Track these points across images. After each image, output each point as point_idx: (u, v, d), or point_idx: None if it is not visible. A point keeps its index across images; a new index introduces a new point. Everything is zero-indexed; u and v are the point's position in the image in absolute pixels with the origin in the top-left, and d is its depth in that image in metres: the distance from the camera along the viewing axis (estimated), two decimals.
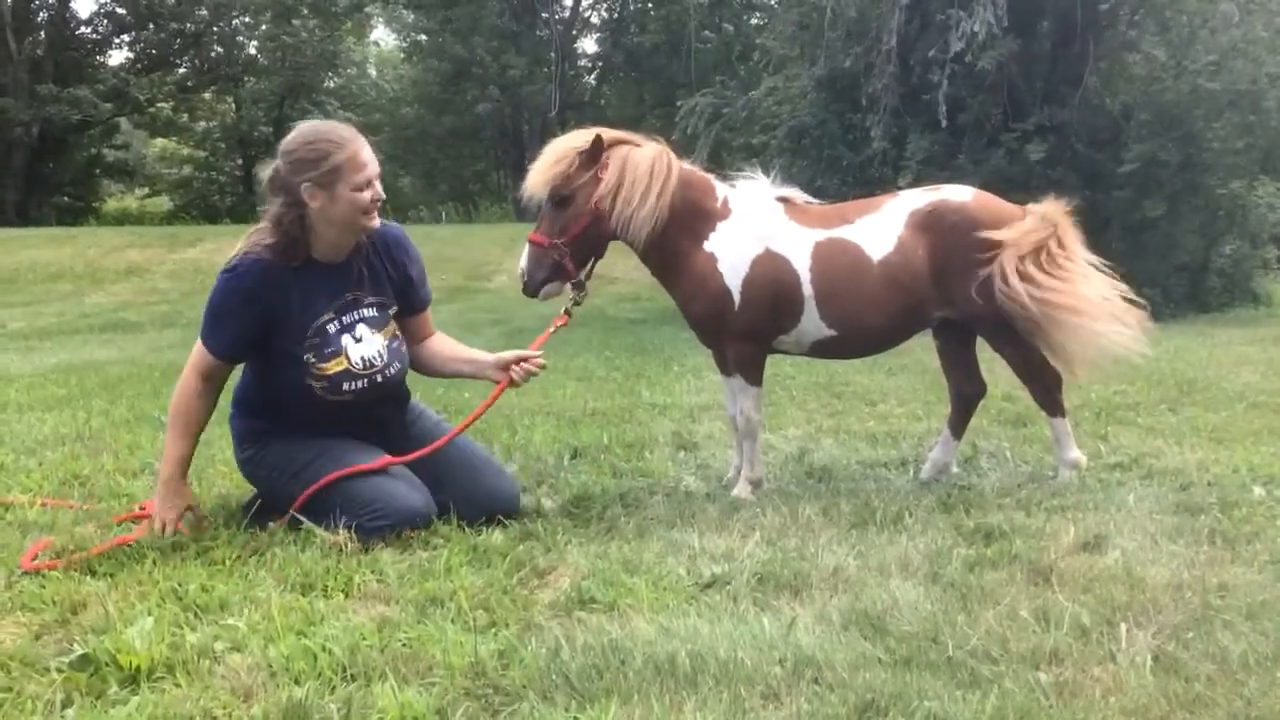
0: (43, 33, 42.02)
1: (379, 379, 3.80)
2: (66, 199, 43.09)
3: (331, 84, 46.01)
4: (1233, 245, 17.02)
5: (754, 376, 4.35)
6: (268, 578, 3.17)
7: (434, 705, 2.30)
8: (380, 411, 3.92)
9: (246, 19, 44.15)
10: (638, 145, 4.28)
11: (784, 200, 4.39)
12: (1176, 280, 16.29)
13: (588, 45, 44.03)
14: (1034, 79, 15.85)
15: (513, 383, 3.99)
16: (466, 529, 3.70)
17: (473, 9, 36.03)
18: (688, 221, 4.26)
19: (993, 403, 6.60)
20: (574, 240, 4.18)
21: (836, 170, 16.16)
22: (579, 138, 4.23)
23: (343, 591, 3.10)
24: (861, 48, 15.80)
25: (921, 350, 10.61)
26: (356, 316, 3.80)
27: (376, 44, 54.25)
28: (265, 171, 3.69)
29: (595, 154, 4.16)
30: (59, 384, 8.15)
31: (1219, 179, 15.89)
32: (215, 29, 43.89)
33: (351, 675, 2.47)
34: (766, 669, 2.46)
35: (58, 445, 5.47)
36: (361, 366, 3.76)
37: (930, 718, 2.22)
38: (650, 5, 39.79)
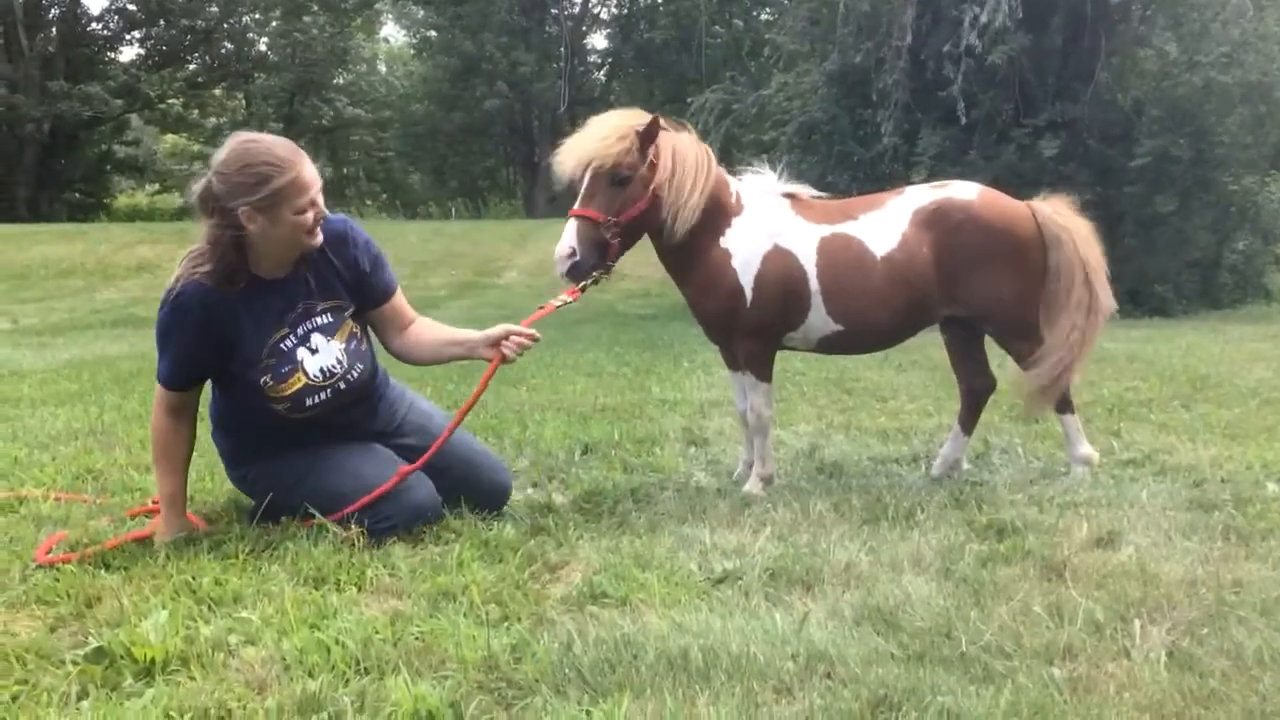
0: (54, 29, 42.19)
1: (341, 386, 3.67)
2: (77, 195, 43.28)
3: (341, 80, 46.09)
4: (1245, 241, 16.97)
5: (764, 373, 4.34)
6: (280, 572, 3.18)
7: (447, 698, 2.30)
8: (351, 415, 3.79)
9: (257, 15, 44.31)
10: (677, 131, 4.23)
11: (790, 196, 4.38)
12: (1188, 276, 16.26)
13: (597, 41, 44.01)
14: (1045, 74, 15.79)
15: (505, 359, 3.77)
16: (478, 524, 3.70)
17: (482, 5, 36.07)
18: (711, 216, 4.23)
19: (1004, 398, 6.59)
20: (629, 222, 4.05)
21: (847, 166, 16.13)
22: (631, 116, 4.11)
23: (355, 585, 3.10)
24: (873, 43, 15.76)
25: (933, 347, 10.59)
26: (310, 326, 3.64)
27: (386, 40, 54.39)
28: (196, 187, 3.46)
29: (651, 136, 4.04)
30: (71, 379, 8.18)
31: (1231, 175, 15.85)
32: (226, 25, 44.05)
33: (365, 668, 2.48)
34: (779, 664, 2.46)
35: (71, 440, 5.49)
36: (321, 378, 3.62)
37: (944, 713, 2.22)
38: (660, 1, 39.75)
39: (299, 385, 3.60)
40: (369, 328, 3.88)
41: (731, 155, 19.18)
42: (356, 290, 3.75)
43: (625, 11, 42.31)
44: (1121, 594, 2.90)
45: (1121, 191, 15.32)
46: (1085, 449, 4.47)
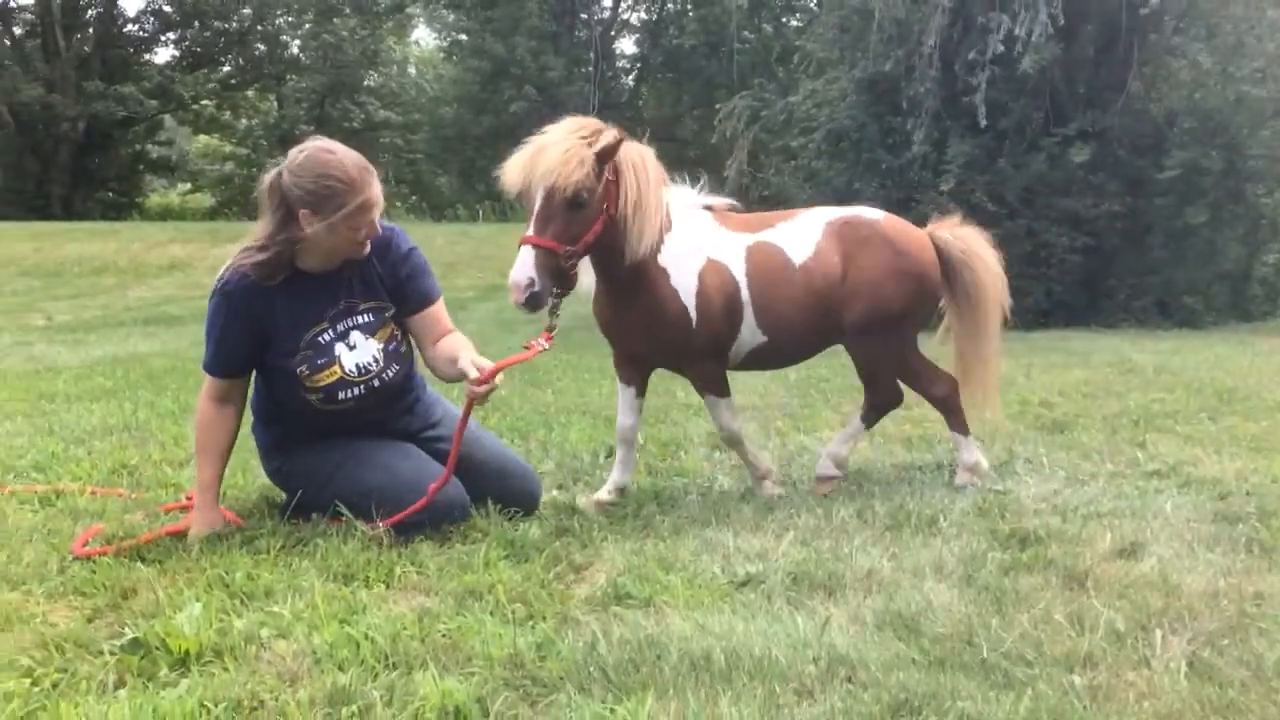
0: (91, 30, 42.80)
1: (375, 384, 3.76)
2: (111, 194, 43.81)
3: (372, 83, 46.41)
4: (1276, 254, 16.83)
5: (722, 389, 4.24)
6: (310, 567, 3.24)
7: (474, 694, 2.34)
8: (385, 412, 3.87)
9: (289, 18, 44.67)
10: (630, 142, 3.97)
11: (709, 208, 4.30)
12: (1218, 288, 16.16)
13: (626, 46, 44.12)
14: (1076, 83, 15.74)
15: (474, 399, 3.64)
16: (504, 524, 3.75)
17: (513, 9, 36.22)
18: None
19: (1030, 408, 6.60)
20: (586, 248, 3.79)
21: (875, 173, 16.12)
22: (580, 131, 3.78)
23: (384, 582, 3.16)
24: (903, 50, 15.74)
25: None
26: (350, 324, 3.74)
27: (417, 43, 54.72)
28: (266, 178, 3.58)
29: (610, 154, 3.76)
30: (105, 376, 8.31)
31: (1264, 188, 15.72)
32: (259, 28, 44.50)
33: (393, 663, 2.53)
34: (801, 667, 2.49)
35: (106, 435, 5.59)
36: (356, 374, 3.72)
37: (964, 718, 2.24)
38: (690, 6, 39.81)
39: (334, 378, 3.69)
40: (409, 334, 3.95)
41: (759, 161, 19.23)
42: (396, 294, 3.82)
43: (655, 17, 42.39)
44: (1143, 604, 2.91)
45: (1151, 202, 15.25)
46: (971, 456, 4.53)
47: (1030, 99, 15.33)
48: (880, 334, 4.36)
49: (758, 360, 4.38)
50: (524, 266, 3.63)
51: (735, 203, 4.45)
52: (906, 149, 15.73)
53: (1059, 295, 15.15)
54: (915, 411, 6.54)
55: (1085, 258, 15.06)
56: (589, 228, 3.74)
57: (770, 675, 2.44)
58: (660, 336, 4.10)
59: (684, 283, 4.03)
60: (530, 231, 3.68)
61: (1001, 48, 14.00)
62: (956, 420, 4.57)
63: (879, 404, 4.63)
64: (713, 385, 4.24)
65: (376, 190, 3.58)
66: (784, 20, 36.97)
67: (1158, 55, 16.09)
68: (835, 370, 8.76)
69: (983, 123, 14.40)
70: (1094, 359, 9.94)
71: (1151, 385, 7.89)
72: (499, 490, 3.92)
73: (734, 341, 4.20)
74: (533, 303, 3.65)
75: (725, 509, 4.03)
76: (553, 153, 3.67)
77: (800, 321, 4.24)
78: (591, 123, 3.85)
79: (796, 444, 5.46)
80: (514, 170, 3.76)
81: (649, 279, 4.00)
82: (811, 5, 33.99)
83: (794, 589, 3.08)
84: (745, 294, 4.15)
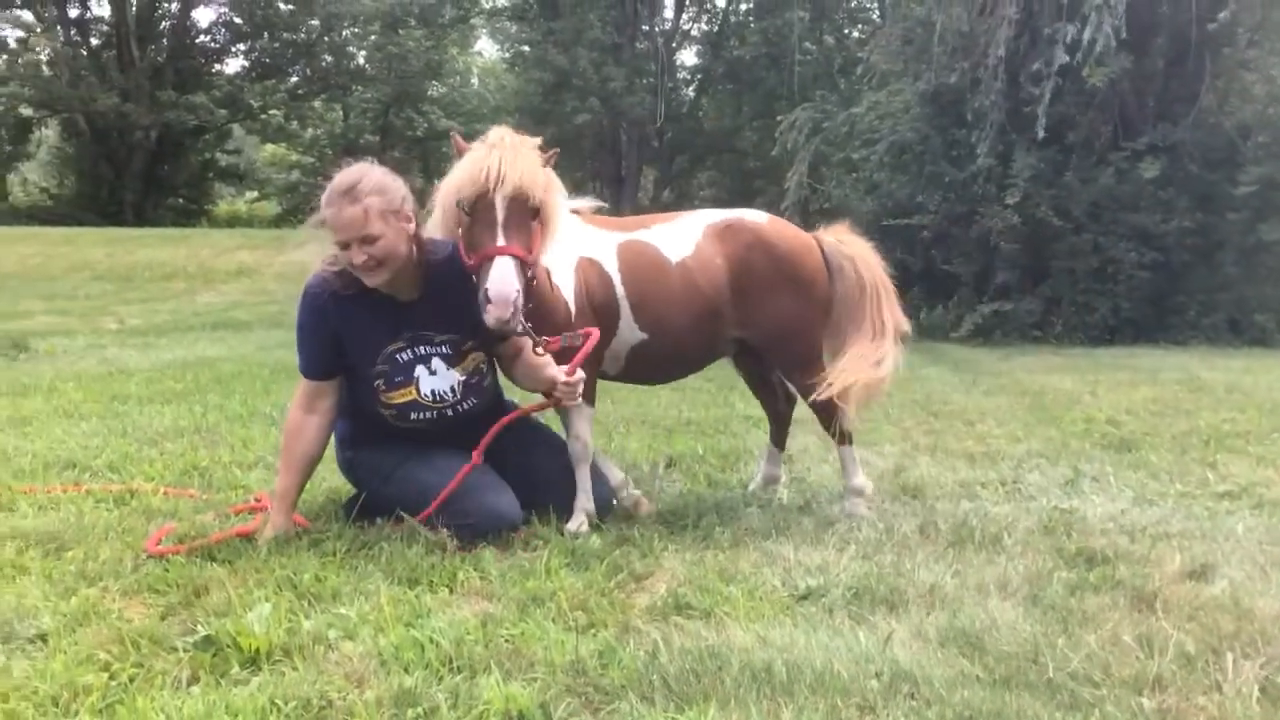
0: (164, 40, 43.89)
1: (449, 413, 3.82)
2: (181, 201, 44.91)
3: (435, 93, 47.00)
4: None
5: (589, 394, 3.99)
6: (376, 571, 3.29)
7: (537, 699, 2.37)
8: (455, 437, 3.87)
9: (356, 29, 45.40)
10: None
11: (576, 212, 4.19)
12: None
13: (687, 57, 44.14)
14: (1146, 96, 15.47)
15: (557, 403, 3.80)
16: (565, 532, 3.78)
17: (576, 21, 36.44)
18: None
19: (1096, 426, 6.51)
20: (539, 258, 3.64)
21: (938, 186, 15.98)
22: (526, 141, 3.65)
23: (447, 587, 3.20)
24: (968, 63, 15.60)
25: (1021, 371, 10.46)
26: (430, 350, 3.78)
27: (480, 54, 55.28)
28: None
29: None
30: (176, 379, 8.50)
31: None
32: (326, 39, 45.27)
33: (457, 667, 2.56)
34: (863, 682, 2.48)
35: (177, 437, 5.72)
36: (431, 399, 3.78)
37: None
38: (751, 18, 39.76)
39: (407, 398, 3.76)
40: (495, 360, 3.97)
41: (820, 173, 19.15)
42: (475, 327, 3.65)
43: (716, 28, 42.39)
44: (1214, 627, 2.85)
45: (1224, 218, 14.93)
46: (859, 479, 4.40)
47: (1098, 112, 15.11)
48: (783, 347, 4.33)
49: (641, 364, 4.22)
50: (509, 278, 3.39)
51: (600, 203, 4.38)
52: (970, 162, 15.57)
53: (1126, 312, 14.89)
54: (978, 428, 6.49)
55: (1154, 274, 14.79)
56: (542, 240, 3.62)
57: (832, 689, 2.43)
58: (546, 330, 3.84)
59: (563, 280, 3.96)
60: (501, 241, 3.45)
61: (1065, 58, 13.80)
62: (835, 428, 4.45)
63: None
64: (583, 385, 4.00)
65: (348, 214, 3.50)
66: (846, 32, 36.80)
67: (1230, 69, 15.77)
68: (896, 385, 8.68)
69: (1041, 134, 14.21)
70: (1162, 376, 9.75)
71: (1222, 404, 7.72)
72: (570, 498, 3.96)
73: (610, 339, 4.09)
74: (516, 319, 3.43)
75: (785, 521, 4.02)
76: (522, 163, 3.52)
77: (682, 318, 4.13)
78: (522, 135, 3.69)
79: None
80: (473, 176, 3.50)
81: (537, 280, 3.79)
82: (874, 17, 33.82)
83: (855, 603, 3.06)
84: (620, 290, 4.07)
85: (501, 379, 4.08)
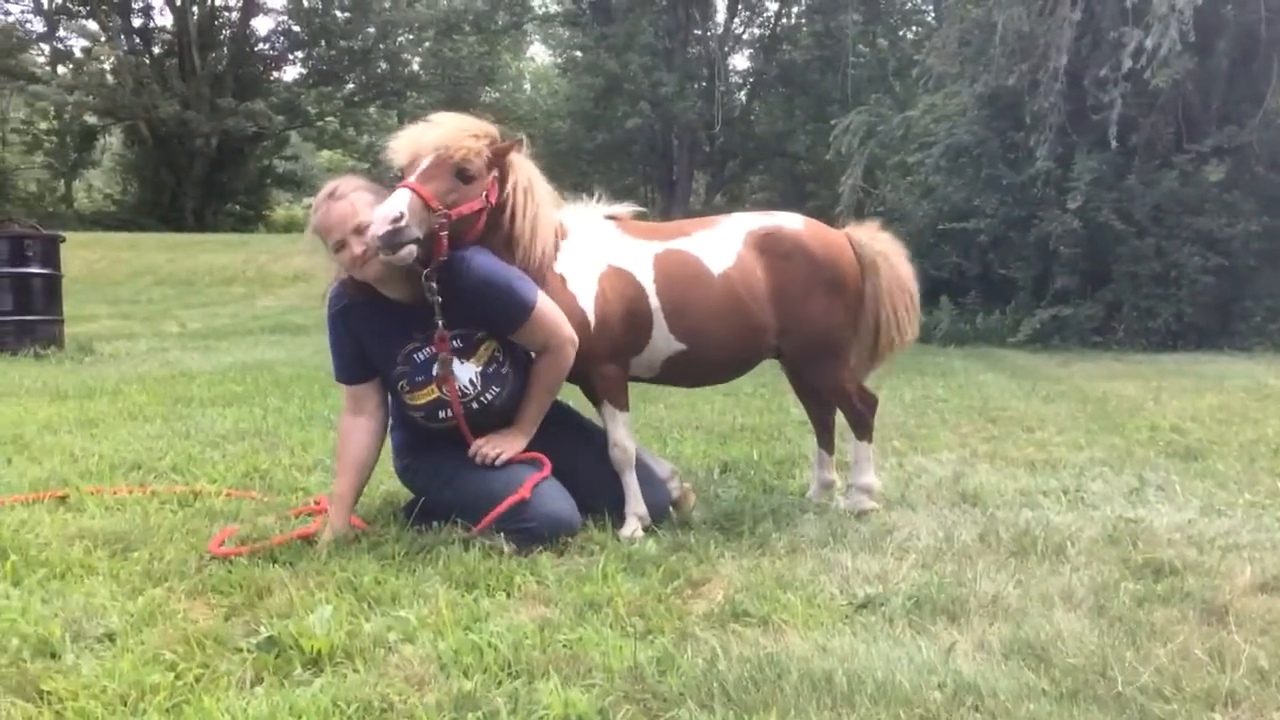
0: (224, 49, 44.71)
1: (474, 406, 3.82)
2: (239, 207, 45.70)
3: (489, 99, 47.38)
4: None
5: (622, 401, 4.05)
6: (434, 574, 3.31)
7: (595, 705, 2.36)
8: (494, 429, 3.89)
9: (410, 36, 45.94)
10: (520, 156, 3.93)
11: (613, 218, 4.21)
12: None
13: (738, 61, 44.07)
14: (1210, 98, 15.16)
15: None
16: (621, 537, 3.78)
17: (628, 26, 36.53)
18: None
19: (1161, 434, 6.37)
20: (459, 221, 3.64)
21: (995, 189, 15.79)
22: (484, 125, 3.81)
23: (504, 591, 3.21)
24: (1027, 65, 15.39)
25: (1081, 377, 10.28)
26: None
27: (532, 60, 55.67)
28: None
29: (504, 153, 3.78)
30: (236, 382, 8.64)
31: None
32: (382, 46, 45.84)
33: (516, 671, 2.56)
34: (926, 693, 2.44)
35: (238, 440, 5.81)
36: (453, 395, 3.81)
37: None
38: (803, 21, 39.60)
39: (431, 397, 3.80)
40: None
41: (874, 176, 19.01)
42: (484, 322, 3.80)
43: (768, 32, 42.27)
44: None
45: None
46: (869, 477, 4.38)
47: (1161, 115, 14.84)
48: (815, 351, 4.32)
49: (678, 370, 4.22)
50: (396, 202, 3.48)
51: (640, 208, 4.34)
52: (1029, 165, 15.38)
53: (1189, 317, 14.60)
54: (1038, 435, 6.39)
55: (1218, 279, 14.48)
56: (466, 202, 3.65)
57: (894, 700, 2.40)
58: None
59: (583, 287, 3.95)
60: (412, 180, 3.57)
61: (1130, 63, 13.57)
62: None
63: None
64: (613, 393, 4.04)
65: (334, 211, 3.65)
66: (900, 34, 36.51)
67: None
68: (952, 390, 8.61)
69: (1113, 143, 14.00)
70: (1228, 384, 9.53)
71: None
72: (614, 502, 3.97)
73: (639, 350, 4.10)
74: (393, 240, 3.43)
75: (842, 528, 3.98)
76: (448, 125, 3.71)
77: (722, 329, 4.12)
78: (485, 122, 3.84)
79: (915, 465, 5.37)
80: (405, 140, 3.72)
81: (545, 285, 3.86)
82: (929, 19, 33.52)
83: (915, 613, 3.02)
84: (654, 301, 4.04)
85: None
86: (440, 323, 3.68)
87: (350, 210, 3.63)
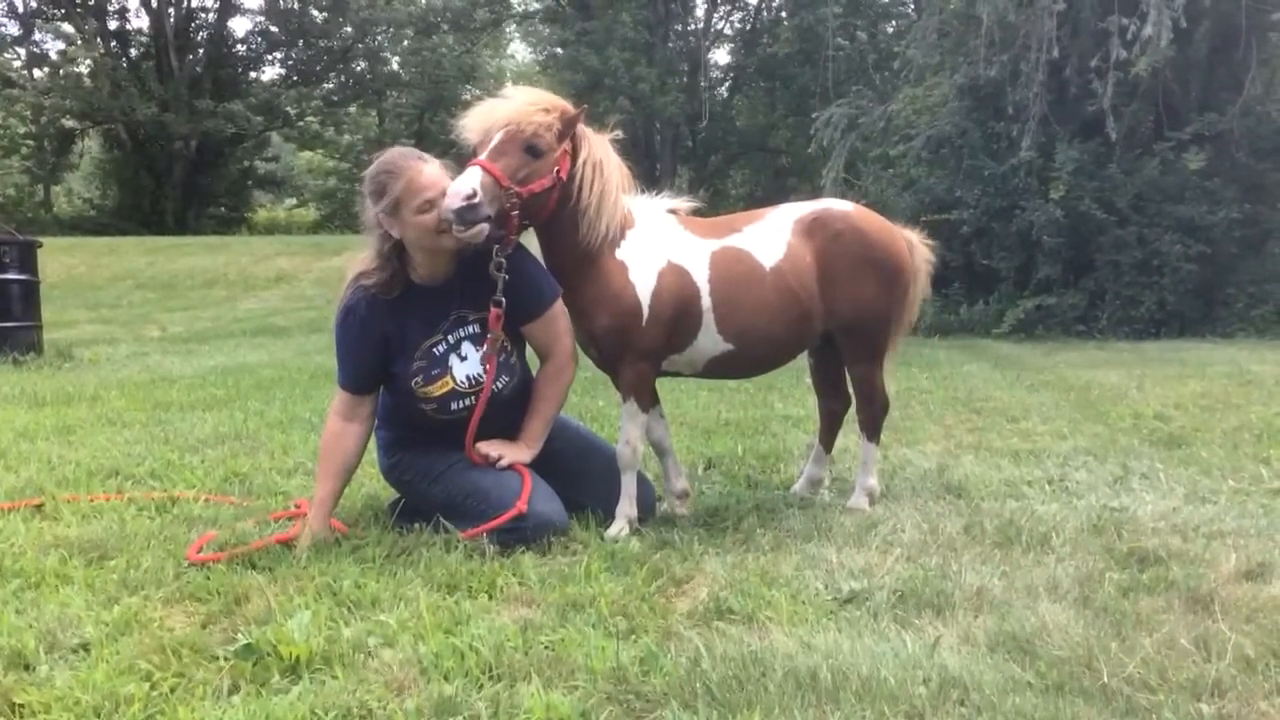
0: (202, 50, 44.42)
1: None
2: (221, 209, 45.42)
3: (469, 97, 47.24)
4: None
5: (645, 401, 4.01)
6: (415, 577, 3.27)
7: (578, 708, 2.33)
8: (499, 423, 3.89)
9: (389, 35, 45.74)
10: (599, 134, 3.97)
11: (673, 212, 4.19)
12: None
13: (719, 56, 44.06)
14: (1190, 86, 15.21)
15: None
16: (604, 538, 3.75)
17: (607, 22, 36.49)
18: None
19: (1144, 422, 6.38)
20: (530, 197, 3.64)
21: (977, 180, 15.81)
22: (553, 98, 3.80)
23: (486, 593, 3.17)
24: (1008, 55, 15.41)
25: (1065, 367, 10.30)
26: (461, 334, 3.82)
27: (513, 57, 55.49)
28: (360, 208, 3.79)
29: (573, 123, 3.76)
30: (217, 385, 8.57)
31: None
32: (360, 45, 45.65)
33: (497, 674, 2.53)
34: (911, 688, 2.42)
35: (218, 443, 5.76)
36: (467, 385, 3.80)
37: None
38: (783, 15, 39.60)
39: (446, 389, 3.78)
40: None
41: (856, 169, 19.01)
42: (509, 300, 3.75)
43: (749, 26, 42.27)
44: (1274, 629, 2.77)
45: (1273, 209, 14.71)
46: (873, 480, 4.38)
47: (1142, 103, 14.88)
48: (862, 333, 4.30)
49: (720, 369, 4.23)
50: (469, 179, 3.50)
51: (696, 203, 4.32)
52: (1011, 155, 15.41)
53: (1172, 305, 14.67)
54: (1023, 425, 6.39)
55: (1200, 266, 14.55)
56: (538, 179, 3.65)
57: (879, 696, 2.38)
58: (604, 325, 3.92)
59: (643, 278, 3.92)
60: (483, 157, 3.59)
61: (1124, 53, 13.59)
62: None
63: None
64: (640, 391, 4.00)
65: (426, 172, 3.62)
66: (880, 26, 36.53)
67: (1277, 55, 15.48)
68: (936, 382, 8.61)
69: (1113, 135, 14.04)
70: (1210, 370, 9.56)
71: (1273, 398, 7.55)
72: (611, 497, 3.95)
73: (679, 349, 4.06)
74: (469, 216, 3.46)
75: (827, 523, 3.96)
76: (518, 100, 3.71)
77: (773, 327, 4.11)
78: (552, 96, 3.83)
79: (900, 457, 5.35)
80: (476, 117, 3.72)
81: (604, 269, 3.89)
82: (909, 11, 33.55)
83: (900, 607, 3.00)
84: (707, 301, 4.01)
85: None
86: (501, 300, 3.68)
87: (443, 174, 3.63)
